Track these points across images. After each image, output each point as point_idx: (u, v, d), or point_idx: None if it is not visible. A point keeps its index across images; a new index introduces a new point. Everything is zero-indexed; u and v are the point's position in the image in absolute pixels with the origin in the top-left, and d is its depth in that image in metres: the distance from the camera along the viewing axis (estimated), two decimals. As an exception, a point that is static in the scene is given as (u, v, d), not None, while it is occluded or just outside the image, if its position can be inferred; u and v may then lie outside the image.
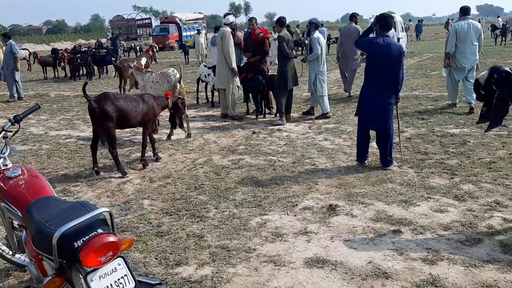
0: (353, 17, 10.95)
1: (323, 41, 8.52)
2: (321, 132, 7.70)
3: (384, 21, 5.59)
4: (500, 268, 3.32)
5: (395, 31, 16.58)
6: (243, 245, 3.82)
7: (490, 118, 3.84)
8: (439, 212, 4.32)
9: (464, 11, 8.64)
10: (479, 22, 46.71)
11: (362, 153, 5.85)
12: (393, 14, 21.47)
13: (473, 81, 7.02)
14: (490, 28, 32.32)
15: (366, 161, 5.85)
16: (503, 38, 27.43)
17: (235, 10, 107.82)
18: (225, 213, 4.51)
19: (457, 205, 4.48)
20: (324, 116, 8.69)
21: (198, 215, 4.46)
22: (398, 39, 18.53)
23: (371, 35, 5.80)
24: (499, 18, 36.19)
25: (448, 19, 46.80)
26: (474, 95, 7.25)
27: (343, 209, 4.47)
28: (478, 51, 8.72)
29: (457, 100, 9.09)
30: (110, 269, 2.17)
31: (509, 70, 3.75)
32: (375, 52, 5.52)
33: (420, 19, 46.76)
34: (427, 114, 8.61)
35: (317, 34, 8.31)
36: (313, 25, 8.30)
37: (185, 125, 7.64)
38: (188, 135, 7.56)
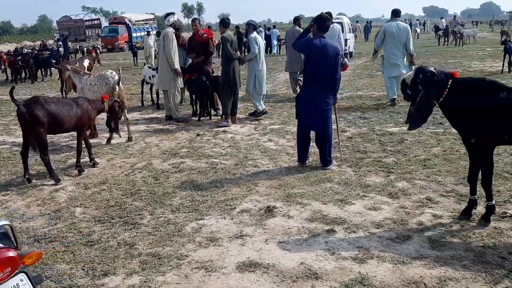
0: (296, 20, 11.11)
1: (261, 41, 8.54)
2: (266, 133, 7.70)
3: (321, 23, 5.65)
4: (426, 264, 3.39)
5: (343, 32, 16.93)
6: (175, 252, 3.72)
7: (415, 117, 3.93)
8: (372, 210, 4.39)
9: (395, 13, 9.36)
10: (425, 23, 48.88)
11: (302, 153, 5.88)
12: (341, 16, 21.89)
13: None
14: (434, 29, 33.61)
15: (307, 162, 5.88)
16: (446, 38, 28.59)
17: (187, 10, 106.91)
18: (160, 219, 4.39)
19: (391, 202, 4.57)
20: (262, 113, 8.67)
21: (131, 222, 4.32)
22: (346, 40, 18.95)
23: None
24: (443, 20, 37.71)
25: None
26: None
27: (280, 210, 4.46)
28: (409, 53, 9.25)
29: (396, 96, 9.36)
30: (11, 286, 2.03)
31: (434, 71, 3.85)
32: (312, 53, 5.55)
33: (369, 20, 48.07)
34: (369, 114, 8.80)
35: (254, 34, 8.35)
36: (251, 26, 8.34)
37: (125, 128, 7.45)
38: (129, 139, 7.35)
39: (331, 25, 10.46)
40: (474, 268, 3.31)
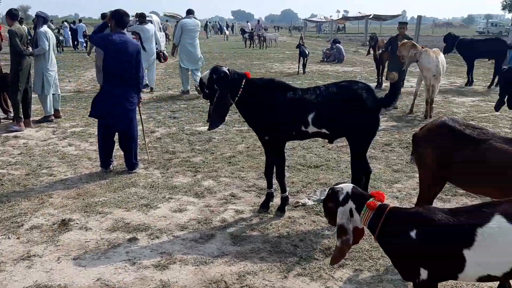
0: (105, 17, 10.66)
1: (52, 36, 7.78)
2: (66, 136, 7.03)
3: (119, 18, 5.35)
4: (227, 261, 3.44)
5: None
6: None
7: (214, 116, 3.98)
8: (178, 212, 4.31)
9: (189, 12, 11.14)
10: (233, 26, 51.98)
11: (105, 157, 5.49)
12: (151, 14, 21.69)
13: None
14: (241, 32, 35.75)
15: (111, 166, 5.52)
16: (251, 41, 30.61)
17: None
18: None
19: (196, 202, 4.56)
20: (46, 119, 7.93)
21: None
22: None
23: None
24: (248, 23, 40.44)
25: (207, 22, 50.08)
26: None
27: (77, 223, 4.05)
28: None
29: (189, 87, 10.93)
30: None
31: (227, 71, 3.93)
32: (110, 49, 5.23)
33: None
34: (180, 113, 8.78)
35: (44, 28, 7.54)
36: (41, 18, 7.51)
37: None
38: None
39: (147, 26, 10.57)
40: (270, 259, 3.48)
